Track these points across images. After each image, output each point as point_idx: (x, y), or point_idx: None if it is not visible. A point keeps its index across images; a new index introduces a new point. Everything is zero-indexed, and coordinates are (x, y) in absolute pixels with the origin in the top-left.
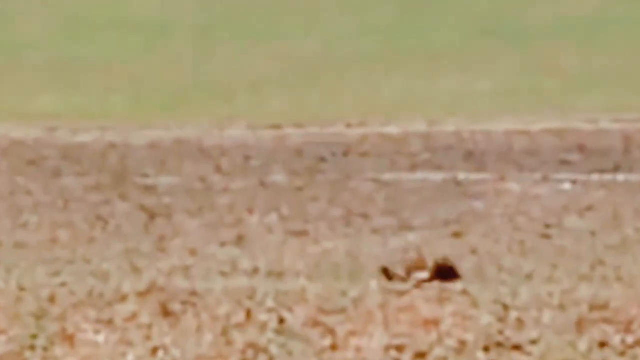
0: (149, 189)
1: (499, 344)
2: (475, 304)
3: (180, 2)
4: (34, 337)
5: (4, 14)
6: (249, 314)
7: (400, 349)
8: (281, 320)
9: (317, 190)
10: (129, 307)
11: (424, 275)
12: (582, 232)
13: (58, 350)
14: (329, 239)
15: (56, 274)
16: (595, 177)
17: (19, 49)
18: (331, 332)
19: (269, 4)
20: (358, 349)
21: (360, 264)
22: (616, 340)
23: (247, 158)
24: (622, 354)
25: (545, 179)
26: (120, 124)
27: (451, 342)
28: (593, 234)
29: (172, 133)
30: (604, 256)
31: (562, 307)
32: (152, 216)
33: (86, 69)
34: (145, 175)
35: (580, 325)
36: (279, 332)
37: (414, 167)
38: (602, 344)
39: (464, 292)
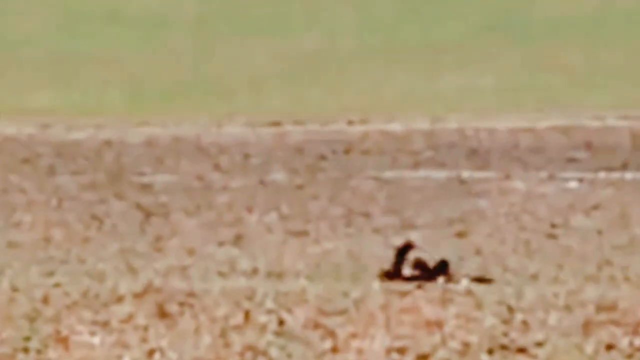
0: (146, 188)
1: (504, 347)
2: (479, 305)
3: None
4: (27, 339)
5: None
6: (247, 315)
7: (402, 351)
8: (281, 322)
9: (317, 188)
10: (125, 308)
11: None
12: (589, 231)
13: (52, 353)
14: (329, 238)
15: (50, 274)
16: (602, 175)
17: (13, 43)
18: (332, 334)
19: None
20: (359, 352)
21: (361, 265)
22: (624, 342)
23: (246, 156)
24: (630, 356)
25: (551, 177)
26: (116, 120)
27: (454, 345)
28: (600, 233)
29: (170, 130)
30: (611, 256)
31: (568, 308)
32: (149, 215)
33: (81, 64)
34: (142, 174)
35: (587, 327)
36: (278, 334)
37: (416, 165)
38: (610, 347)
39: (468, 292)
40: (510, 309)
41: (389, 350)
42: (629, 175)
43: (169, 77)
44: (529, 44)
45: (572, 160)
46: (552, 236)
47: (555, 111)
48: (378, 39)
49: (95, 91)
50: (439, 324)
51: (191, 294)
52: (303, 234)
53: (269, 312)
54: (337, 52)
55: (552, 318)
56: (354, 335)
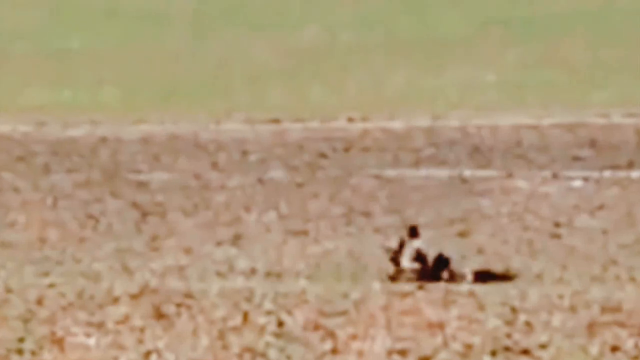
0: (142, 186)
1: (507, 348)
2: (481, 307)
3: None
4: (22, 340)
5: None
6: (246, 316)
7: (403, 353)
8: (280, 323)
9: (317, 187)
10: (121, 309)
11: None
12: (594, 231)
13: (47, 354)
14: (329, 238)
15: (45, 274)
16: (608, 173)
17: (6, 39)
18: (332, 335)
19: None
20: (360, 353)
21: (362, 265)
22: (629, 344)
23: (244, 153)
24: (635, 358)
25: (555, 176)
26: (112, 117)
27: (457, 346)
28: (605, 233)
29: (166, 127)
30: (616, 256)
31: (572, 309)
32: (145, 214)
33: (77, 60)
34: (138, 172)
35: (592, 329)
36: (277, 335)
37: (417, 163)
38: (614, 348)
39: (470, 293)
40: (514, 310)
41: (390, 352)
42: (635, 174)
43: (165, 73)
44: (533, 40)
45: (576, 158)
46: (556, 236)
47: (559, 108)
48: (379, 34)
49: (91, 88)
50: (440, 325)
51: (188, 295)
52: (302, 233)
53: (268, 313)
54: (337, 47)
55: (556, 319)
56: (354, 337)
